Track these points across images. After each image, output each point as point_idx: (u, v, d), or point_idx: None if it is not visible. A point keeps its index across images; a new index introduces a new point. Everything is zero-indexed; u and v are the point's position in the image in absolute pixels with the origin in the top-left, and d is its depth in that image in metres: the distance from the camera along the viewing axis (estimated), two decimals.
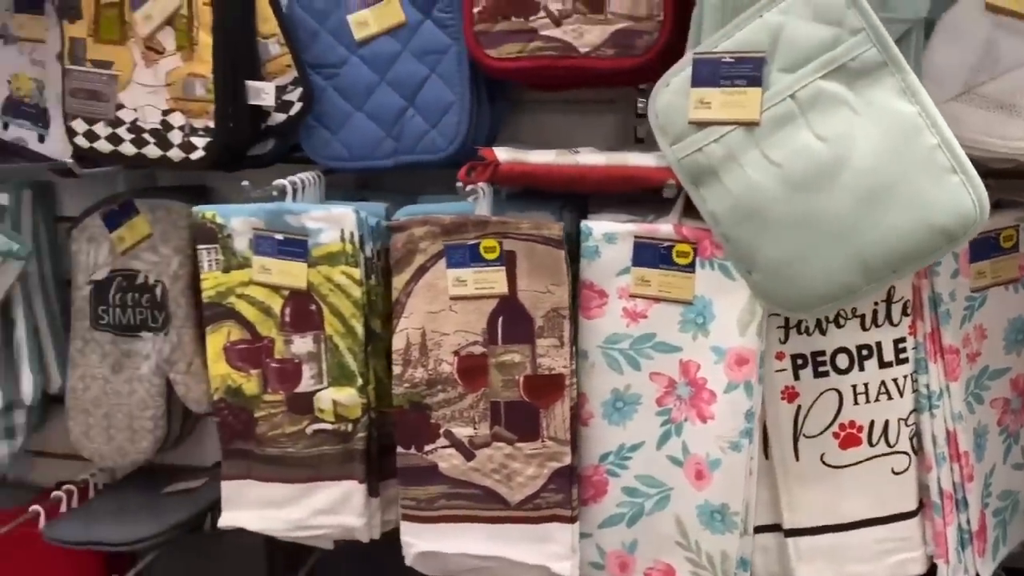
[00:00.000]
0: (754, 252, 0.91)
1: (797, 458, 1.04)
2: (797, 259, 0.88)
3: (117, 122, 1.09)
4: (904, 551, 1.03)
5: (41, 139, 1.22)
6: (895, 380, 1.01)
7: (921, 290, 1.00)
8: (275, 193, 1.06)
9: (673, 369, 1.00)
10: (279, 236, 1.06)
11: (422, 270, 1.03)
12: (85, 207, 1.33)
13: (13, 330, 1.31)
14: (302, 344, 1.08)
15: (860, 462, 1.02)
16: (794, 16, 0.86)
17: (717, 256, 0.96)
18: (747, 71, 0.87)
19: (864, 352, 1.01)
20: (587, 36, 1.01)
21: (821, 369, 1.02)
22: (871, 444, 1.02)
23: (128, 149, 1.09)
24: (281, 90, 1.10)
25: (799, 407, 1.03)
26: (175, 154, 1.08)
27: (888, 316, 1.00)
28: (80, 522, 1.29)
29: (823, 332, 1.01)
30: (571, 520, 1.02)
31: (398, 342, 1.04)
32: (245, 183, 1.04)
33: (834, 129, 0.85)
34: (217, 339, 1.10)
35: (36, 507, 1.34)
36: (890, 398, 1.01)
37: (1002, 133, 0.90)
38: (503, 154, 1.01)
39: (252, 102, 1.08)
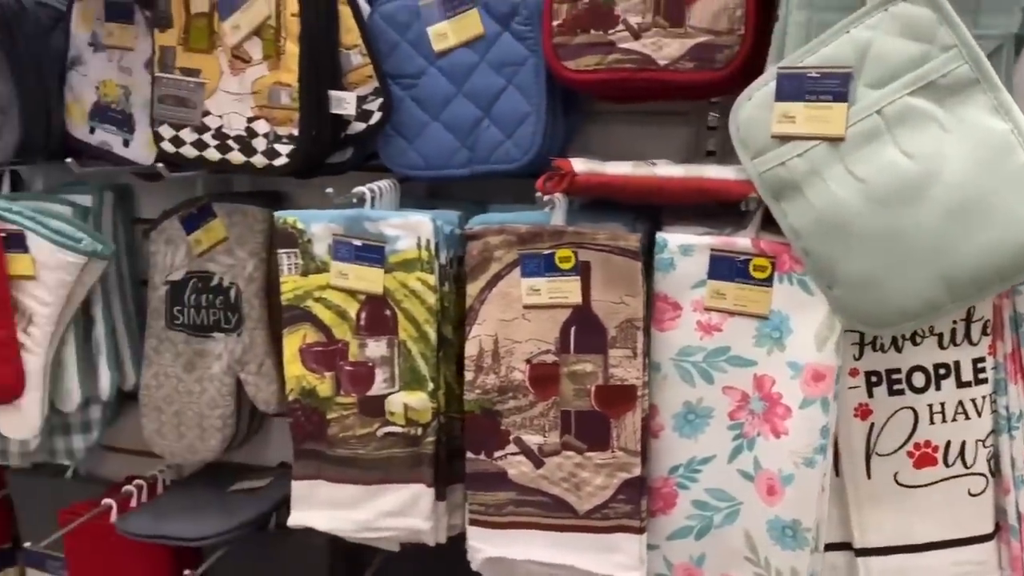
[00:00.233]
0: (836, 267, 0.91)
1: (869, 476, 1.03)
2: (881, 275, 0.88)
3: (203, 128, 1.13)
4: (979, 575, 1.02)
5: (126, 143, 1.26)
6: (973, 400, 1.00)
7: (1002, 310, 0.98)
8: (355, 200, 1.08)
9: (747, 383, 1.00)
10: (357, 242, 1.08)
11: (497, 278, 1.04)
12: (161, 210, 1.37)
13: (92, 328, 1.35)
14: (376, 348, 1.10)
15: (935, 483, 1.01)
16: (882, 32, 0.85)
17: (796, 271, 0.96)
18: (833, 86, 0.87)
19: (941, 371, 1.00)
20: (666, 49, 1.02)
21: (896, 387, 1.01)
22: (947, 465, 1.01)
23: (213, 155, 1.13)
24: (362, 100, 1.12)
25: (872, 425, 1.02)
26: (259, 160, 1.11)
27: (967, 335, 0.98)
28: (151, 516, 1.33)
29: (899, 350, 1.00)
30: (639, 531, 1.02)
31: (471, 348, 1.05)
32: (329, 190, 1.07)
33: (922, 146, 0.85)
34: (294, 341, 1.12)
35: (109, 500, 1.38)
36: (968, 418, 1.00)
37: None
38: (579, 165, 1.01)
39: (334, 111, 1.11)
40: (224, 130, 1.12)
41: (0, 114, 1.22)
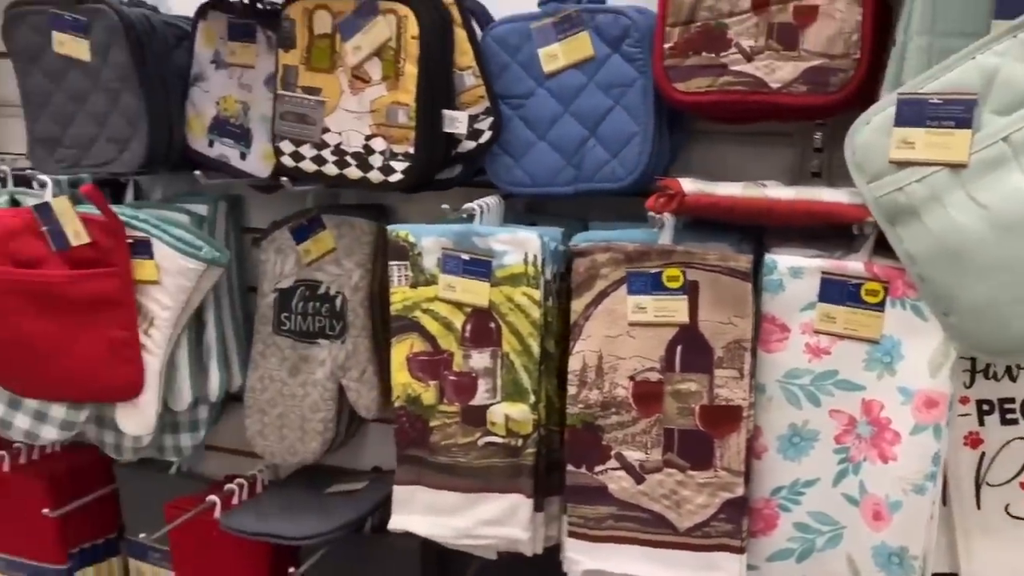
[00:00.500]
0: (954, 294, 0.90)
1: (979, 507, 1.01)
2: (1002, 302, 0.87)
3: (322, 144, 1.18)
4: None
5: (243, 156, 1.32)
6: None
7: None
8: (464, 216, 1.12)
9: (854, 407, 0.99)
10: (465, 256, 1.11)
11: (602, 295, 1.06)
12: (269, 220, 1.43)
13: (204, 332, 1.41)
14: (479, 359, 1.13)
15: None
16: (1011, 59, 0.85)
17: (910, 296, 0.95)
18: (957, 112, 0.87)
19: None
20: (779, 72, 1.03)
21: (1009, 416, 0.99)
22: None
23: (331, 170, 1.18)
24: (473, 119, 1.16)
25: (983, 454, 1.01)
26: (375, 176, 1.15)
27: None
28: (253, 515, 1.38)
29: (1013, 379, 0.99)
30: (740, 551, 1.03)
31: (574, 363, 1.07)
32: (445, 206, 1.10)
33: None
34: (401, 350, 1.16)
35: (213, 497, 1.44)
36: None
37: None
38: (688, 185, 1.03)
39: (446, 130, 1.15)
40: (342, 147, 1.17)
41: (129, 127, 1.30)
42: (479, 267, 1.11)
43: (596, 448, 1.07)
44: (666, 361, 1.04)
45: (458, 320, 1.13)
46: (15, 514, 1.59)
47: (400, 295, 1.15)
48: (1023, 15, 0.85)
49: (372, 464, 1.55)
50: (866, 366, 0.98)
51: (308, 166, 1.19)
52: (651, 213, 1.00)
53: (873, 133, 0.93)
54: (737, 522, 1.02)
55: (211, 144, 1.34)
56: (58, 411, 1.36)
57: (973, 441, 1.00)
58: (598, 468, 1.07)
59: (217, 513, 1.43)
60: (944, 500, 1.02)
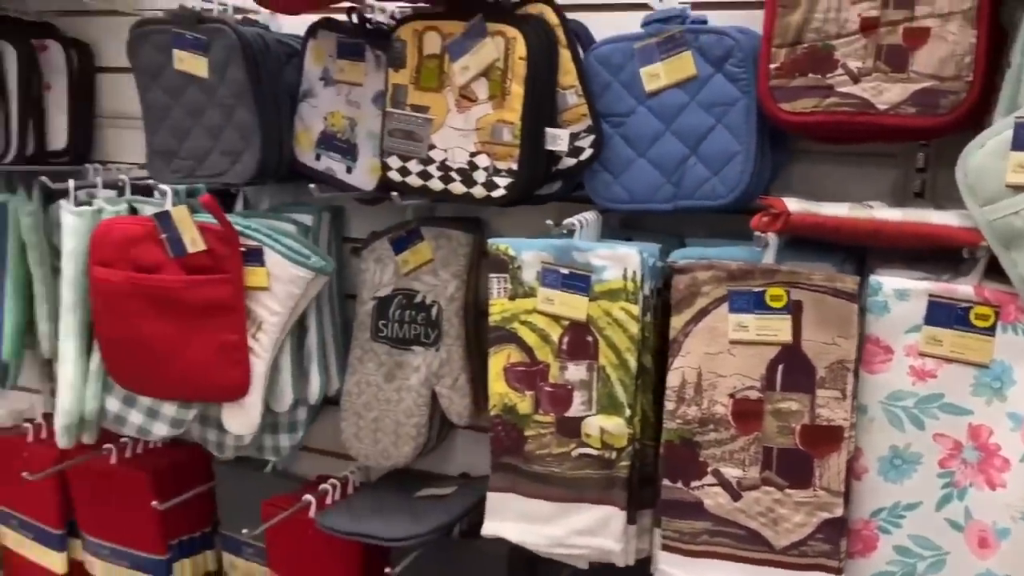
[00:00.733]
0: None
1: None
2: None
3: (428, 160, 1.22)
4: None
5: (349, 170, 1.38)
6: None
7: None
8: (564, 231, 1.15)
9: (960, 432, 0.98)
10: (565, 270, 1.14)
11: (703, 312, 1.07)
12: (367, 230, 1.48)
13: (305, 337, 1.47)
14: (576, 372, 1.15)
15: None
16: None
17: (1022, 321, 0.94)
18: None
19: None
20: (886, 94, 1.03)
21: None
22: None
23: (436, 185, 1.22)
24: (574, 137, 1.19)
25: None
26: (478, 191, 1.19)
27: None
28: (348, 515, 1.43)
29: None
30: (837, 571, 1.02)
31: (673, 379, 1.09)
32: (549, 221, 1.13)
33: None
34: (499, 360, 1.19)
35: (308, 496, 1.50)
36: None
37: None
38: (793, 204, 1.03)
39: (548, 147, 1.18)
40: (448, 162, 1.21)
41: (242, 140, 1.36)
42: (578, 281, 1.13)
43: (693, 464, 1.08)
44: (767, 380, 1.04)
45: (555, 332, 1.16)
46: (121, 505, 1.68)
47: (499, 307, 1.18)
48: None
49: (460, 470, 1.58)
50: (974, 391, 0.97)
51: (414, 181, 1.23)
52: (756, 233, 1.01)
53: (988, 156, 0.92)
54: (835, 542, 1.02)
55: (318, 157, 1.40)
56: (169, 409, 1.44)
57: None
58: (694, 483, 1.08)
59: (312, 512, 1.48)
60: None
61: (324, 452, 1.68)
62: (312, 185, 1.31)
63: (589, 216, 1.20)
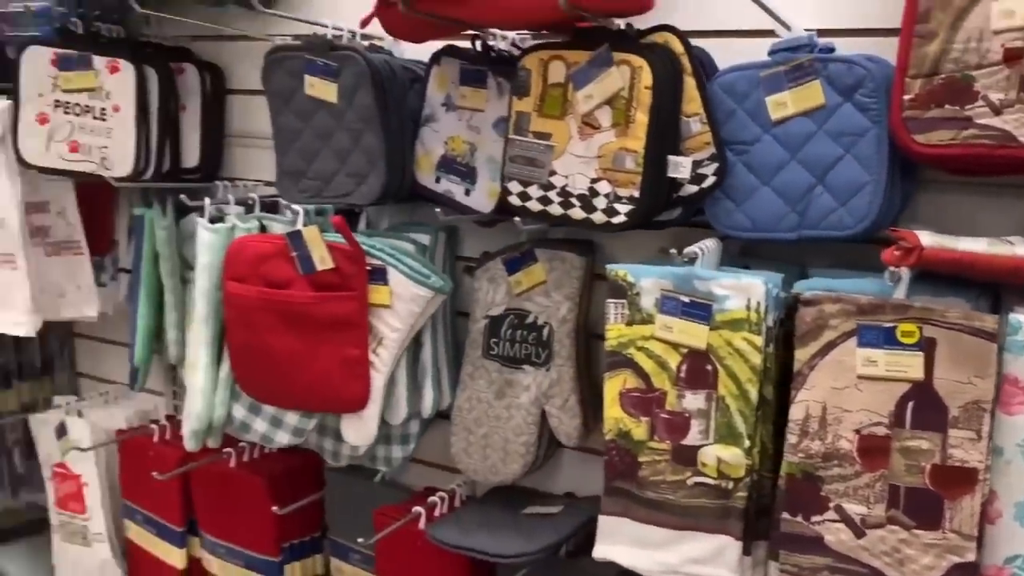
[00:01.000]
0: None
1: None
2: None
3: (549, 186, 1.24)
4: None
5: (467, 193, 1.41)
6: None
7: None
8: (686, 260, 1.15)
9: None
10: (685, 298, 1.14)
11: (830, 346, 1.06)
12: (479, 250, 1.52)
13: (420, 352, 1.51)
14: (693, 400, 1.15)
15: None
16: None
17: None
18: None
19: None
20: None
21: None
22: None
23: (555, 210, 1.24)
24: (697, 164, 1.19)
25: None
26: (598, 217, 1.21)
27: None
28: (457, 528, 1.46)
29: None
30: None
31: (796, 412, 1.08)
32: (672, 250, 1.14)
33: None
34: (614, 385, 1.20)
35: (418, 508, 1.54)
36: None
37: None
38: (926, 238, 1.01)
39: (670, 175, 1.18)
40: (568, 188, 1.23)
41: (368, 164, 1.42)
42: (699, 310, 1.14)
43: (815, 498, 1.07)
44: (895, 416, 1.02)
45: (673, 360, 1.16)
46: (238, 507, 1.76)
47: (615, 331, 1.19)
48: None
49: (565, 489, 1.60)
50: None
51: (534, 206, 1.26)
52: (890, 268, 0.99)
53: None
54: None
55: (438, 180, 1.44)
56: (292, 418, 1.51)
57: None
58: (815, 518, 1.07)
59: (422, 524, 1.52)
60: None
61: (431, 464, 1.72)
62: (438, 209, 1.35)
63: (710, 243, 1.20)
